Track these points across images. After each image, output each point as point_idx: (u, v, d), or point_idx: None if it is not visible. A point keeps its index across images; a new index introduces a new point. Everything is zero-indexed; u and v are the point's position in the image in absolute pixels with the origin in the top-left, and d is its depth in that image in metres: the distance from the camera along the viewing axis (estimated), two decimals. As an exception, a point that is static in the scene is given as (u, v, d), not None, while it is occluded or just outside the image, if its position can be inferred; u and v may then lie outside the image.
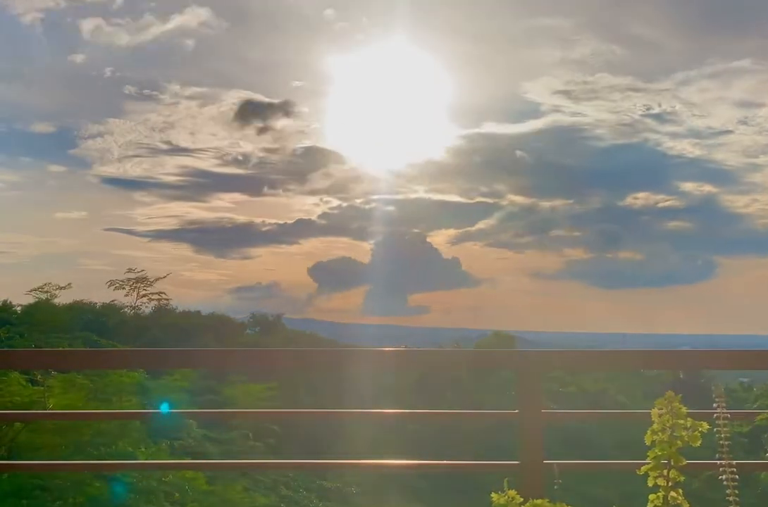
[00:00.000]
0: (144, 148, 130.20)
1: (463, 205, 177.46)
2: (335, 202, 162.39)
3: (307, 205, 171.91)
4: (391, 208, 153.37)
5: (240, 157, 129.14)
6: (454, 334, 59.08)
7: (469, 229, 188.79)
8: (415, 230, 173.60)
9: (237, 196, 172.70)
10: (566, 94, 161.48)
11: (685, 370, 31.75)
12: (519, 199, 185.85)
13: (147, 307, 35.03)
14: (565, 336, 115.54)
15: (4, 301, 34.26)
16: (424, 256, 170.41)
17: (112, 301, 35.46)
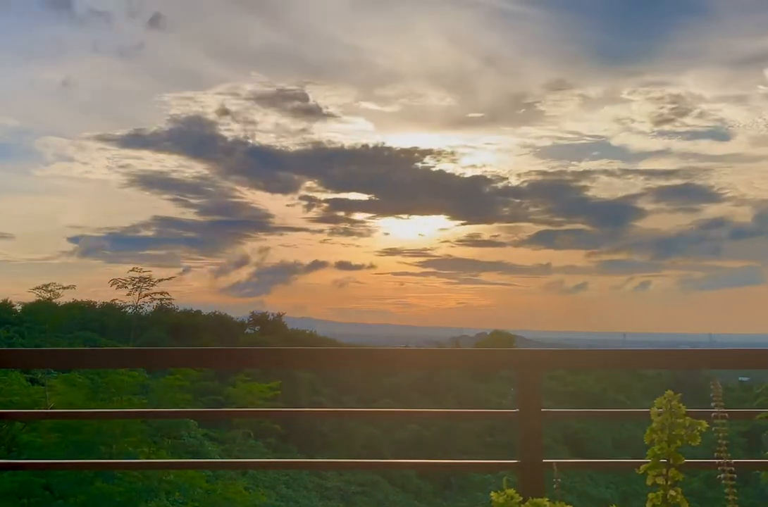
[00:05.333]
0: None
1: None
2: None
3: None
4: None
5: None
6: (454, 334, 59.17)
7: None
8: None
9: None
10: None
11: (685, 370, 31.77)
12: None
13: (149, 307, 34.95)
14: (565, 336, 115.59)
15: (4, 301, 34.30)
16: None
17: (113, 300, 35.35)
